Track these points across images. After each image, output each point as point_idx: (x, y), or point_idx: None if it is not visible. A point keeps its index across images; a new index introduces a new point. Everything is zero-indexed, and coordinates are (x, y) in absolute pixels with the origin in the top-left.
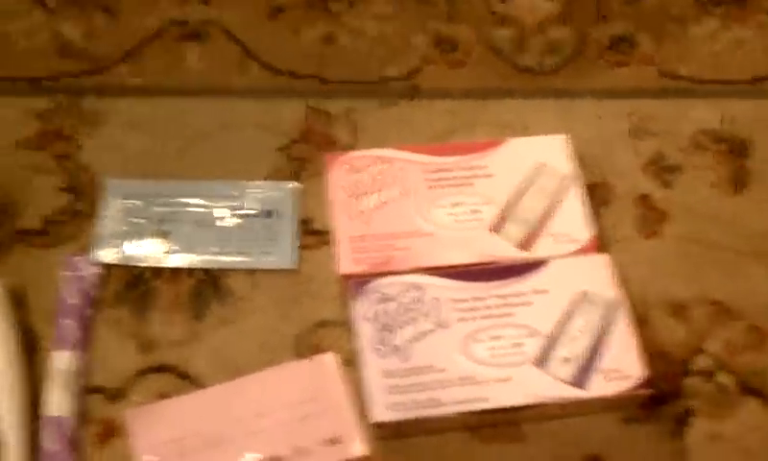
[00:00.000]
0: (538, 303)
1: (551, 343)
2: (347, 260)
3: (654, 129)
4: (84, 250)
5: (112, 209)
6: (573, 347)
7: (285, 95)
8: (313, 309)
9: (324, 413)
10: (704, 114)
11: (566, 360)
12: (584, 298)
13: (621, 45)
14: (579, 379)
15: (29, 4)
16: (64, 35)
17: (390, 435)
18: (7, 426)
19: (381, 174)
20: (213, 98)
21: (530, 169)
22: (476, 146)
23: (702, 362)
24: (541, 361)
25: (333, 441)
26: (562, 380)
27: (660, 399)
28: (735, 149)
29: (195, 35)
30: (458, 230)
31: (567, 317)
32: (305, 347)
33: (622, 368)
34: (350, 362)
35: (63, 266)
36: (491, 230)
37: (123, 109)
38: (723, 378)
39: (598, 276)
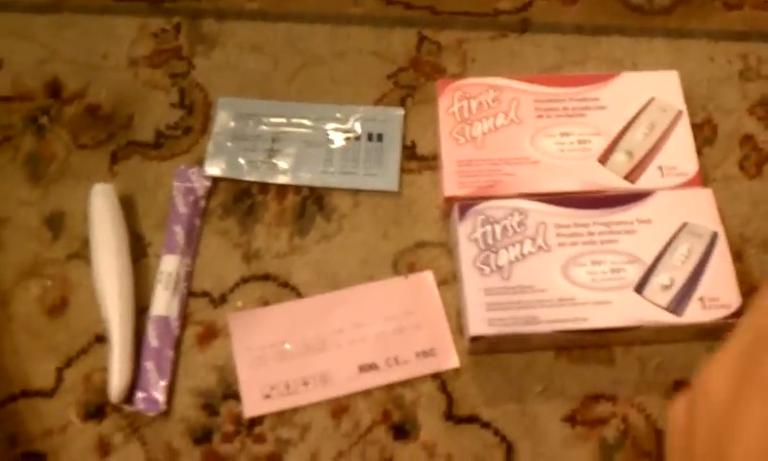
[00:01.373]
0: (641, 231)
1: (651, 270)
2: (452, 183)
3: (764, 72)
4: (195, 163)
5: (223, 126)
6: (673, 275)
7: (398, 24)
8: (412, 231)
9: (420, 327)
10: None
11: (665, 287)
12: (686, 229)
13: None
14: (676, 306)
15: None
16: None
17: (482, 350)
18: (113, 324)
19: (492, 101)
20: (327, 25)
21: (642, 103)
22: (589, 78)
23: None
24: (641, 287)
25: (427, 353)
26: (659, 306)
27: None
28: None
29: None
30: (565, 159)
31: (669, 246)
32: (403, 265)
33: (719, 297)
34: (446, 282)
35: (175, 177)
36: (598, 161)
37: (239, 33)
38: None
39: (701, 209)
